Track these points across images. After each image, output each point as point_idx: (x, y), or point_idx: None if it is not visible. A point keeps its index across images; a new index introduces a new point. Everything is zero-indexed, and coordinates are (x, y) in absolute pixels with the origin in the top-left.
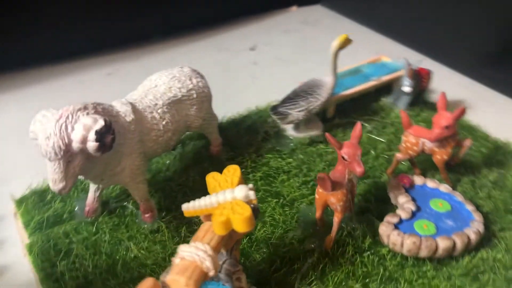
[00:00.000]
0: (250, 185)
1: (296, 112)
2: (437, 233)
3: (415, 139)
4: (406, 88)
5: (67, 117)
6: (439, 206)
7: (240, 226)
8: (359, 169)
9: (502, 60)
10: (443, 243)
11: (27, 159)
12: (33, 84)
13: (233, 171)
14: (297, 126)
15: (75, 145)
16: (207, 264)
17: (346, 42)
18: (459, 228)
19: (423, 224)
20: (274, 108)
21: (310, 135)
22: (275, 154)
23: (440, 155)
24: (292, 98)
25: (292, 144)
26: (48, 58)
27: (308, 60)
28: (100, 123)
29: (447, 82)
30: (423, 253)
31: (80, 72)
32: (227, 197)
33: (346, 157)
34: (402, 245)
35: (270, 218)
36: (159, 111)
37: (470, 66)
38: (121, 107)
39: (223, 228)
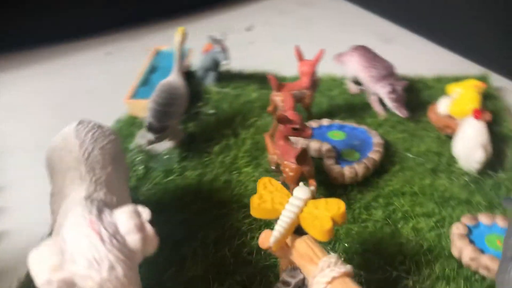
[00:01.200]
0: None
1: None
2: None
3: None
4: (225, 61)
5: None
6: (334, 135)
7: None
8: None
9: None
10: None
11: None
12: (32, 65)
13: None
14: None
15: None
16: None
17: (184, 35)
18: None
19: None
20: (153, 126)
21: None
22: None
23: (309, 98)
24: (162, 109)
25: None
26: (47, 39)
27: (304, 41)
28: (145, 211)
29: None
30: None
31: (79, 52)
32: (299, 204)
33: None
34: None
35: None
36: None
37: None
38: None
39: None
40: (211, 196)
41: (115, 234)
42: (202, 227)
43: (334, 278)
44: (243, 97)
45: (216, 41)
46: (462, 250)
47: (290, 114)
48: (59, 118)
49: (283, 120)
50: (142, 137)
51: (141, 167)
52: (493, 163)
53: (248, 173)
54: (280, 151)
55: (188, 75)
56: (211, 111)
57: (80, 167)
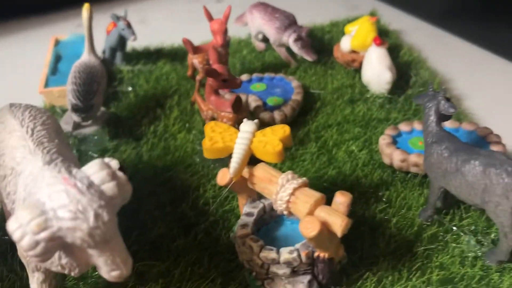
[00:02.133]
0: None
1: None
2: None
3: (202, 56)
4: (132, 36)
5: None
6: (256, 87)
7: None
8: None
9: None
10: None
11: None
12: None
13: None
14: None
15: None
16: None
17: (91, 11)
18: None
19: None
20: (78, 106)
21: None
22: None
23: (224, 57)
24: (83, 88)
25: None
26: (19, 11)
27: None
28: (113, 161)
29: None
30: None
31: (51, 24)
32: (248, 136)
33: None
34: None
35: None
36: None
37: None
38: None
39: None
40: (153, 164)
41: (91, 185)
42: (153, 193)
43: (295, 189)
44: (156, 70)
45: (117, 17)
46: (392, 155)
47: (217, 67)
48: None
49: (212, 73)
50: (67, 123)
51: (73, 152)
52: (400, 84)
53: (183, 137)
54: (214, 105)
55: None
56: (129, 88)
57: (27, 143)
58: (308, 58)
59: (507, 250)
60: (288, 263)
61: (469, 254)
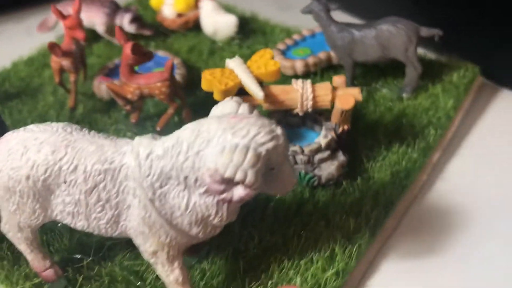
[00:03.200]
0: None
1: None
2: None
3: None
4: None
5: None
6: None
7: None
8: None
9: None
10: None
11: None
12: None
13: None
14: None
15: None
16: None
17: None
18: None
19: None
20: None
21: None
22: None
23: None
24: None
25: None
26: None
27: None
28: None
29: None
30: None
31: None
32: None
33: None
34: None
35: None
36: None
37: None
38: None
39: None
40: None
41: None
42: None
43: (312, 86)
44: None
45: None
46: (294, 65)
47: (132, 44)
48: None
49: (137, 47)
50: None
51: None
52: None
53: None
54: (144, 81)
55: None
56: None
57: (104, 141)
58: (148, 32)
59: (417, 77)
60: (327, 146)
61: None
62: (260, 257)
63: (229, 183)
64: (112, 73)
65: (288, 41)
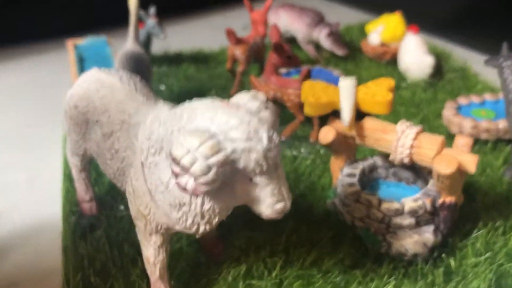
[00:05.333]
0: None
1: None
2: None
3: (244, 47)
4: (162, 34)
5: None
6: None
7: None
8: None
9: None
10: None
11: None
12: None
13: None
14: None
15: None
16: None
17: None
18: None
19: None
20: None
21: None
22: None
23: (262, 50)
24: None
25: None
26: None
27: None
28: (260, 95)
29: None
30: None
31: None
32: (353, 89)
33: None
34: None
35: None
36: None
37: None
38: None
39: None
40: None
41: (250, 111)
42: None
43: (417, 133)
44: (181, 72)
45: (146, 16)
46: (461, 123)
47: (275, 43)
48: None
49: (279, 48)
50: None
51: None
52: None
53: None
54: (278, 84)
55: None
56: (162, 87)
57: (136, 97)
58: (340, 52)
59: None
60: (412, 212)
61: None
62: None
63: (183, 168)
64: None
65: (475, 98)
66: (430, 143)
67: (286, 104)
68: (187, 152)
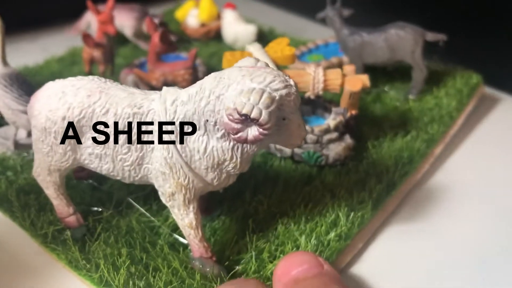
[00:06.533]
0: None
1: None
2: None
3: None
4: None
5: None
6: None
7: None
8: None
9: None
10: None
11: None
12: None
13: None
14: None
15: None
16: None
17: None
18: None
19: None
20: None
21: None
22: None
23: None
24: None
25: None
26: None
27: None
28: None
29: None
30: None
31: None
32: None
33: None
34: None
35: None
36: None
37: None
38: None
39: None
40: None
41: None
42: None
43: (324, 71)
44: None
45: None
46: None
47: (161, 32)
48: None
49: (166, 37)
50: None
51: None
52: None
53: None
54: (169, 68)
55: None
56: None
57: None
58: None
59: (423, 80)
60: (335, 128)
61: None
62: (268, 221)
63: (244, 122)
64: (138, 68)
65: (303, 48)
66: (335, 74)
67: (180, 84)
68: (252, 107)
